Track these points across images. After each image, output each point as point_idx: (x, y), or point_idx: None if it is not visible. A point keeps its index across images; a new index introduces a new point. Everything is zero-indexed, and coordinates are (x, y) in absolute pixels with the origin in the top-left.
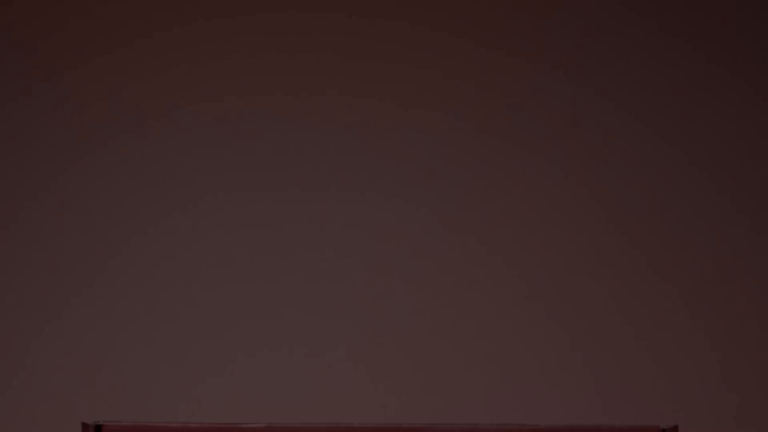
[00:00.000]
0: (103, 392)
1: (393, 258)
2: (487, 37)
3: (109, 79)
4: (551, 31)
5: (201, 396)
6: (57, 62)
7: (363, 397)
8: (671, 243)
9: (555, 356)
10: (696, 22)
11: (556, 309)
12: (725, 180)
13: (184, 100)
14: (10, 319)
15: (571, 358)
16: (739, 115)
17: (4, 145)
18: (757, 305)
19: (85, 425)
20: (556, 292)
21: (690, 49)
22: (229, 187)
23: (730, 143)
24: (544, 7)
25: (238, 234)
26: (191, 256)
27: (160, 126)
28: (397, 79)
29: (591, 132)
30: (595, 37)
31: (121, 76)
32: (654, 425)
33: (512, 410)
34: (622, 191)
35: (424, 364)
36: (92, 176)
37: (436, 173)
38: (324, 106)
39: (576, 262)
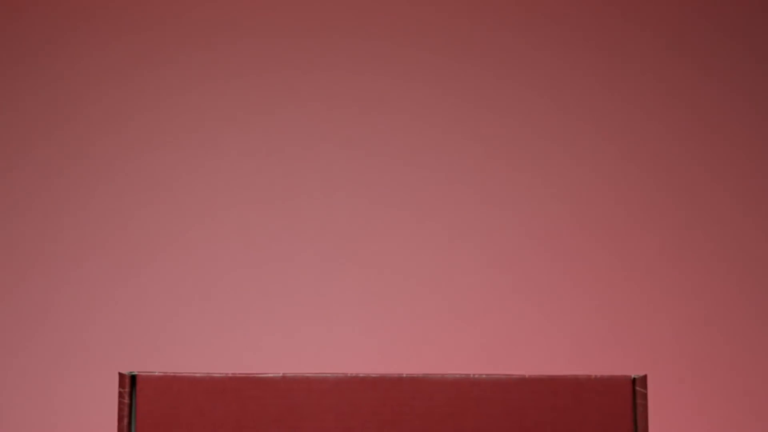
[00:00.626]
0: (137, 346)
1: (390, 220)
2: (484, 36)
3: (115, 76)
4: (554, 28)
5: (223, 350)
6: (68, 59)
7: (366, 350)
8: (648, 203)
9: (539, 313)
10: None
11: (541, 271)
12: (712, 157)
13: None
14: (55, 280)
15: (552, 315)
16: (738, 111)
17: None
18: (725, 264)
19: (121, 375)
20: (542, 253)
21: (690, 49)
22: (242, 171)
23: (727, 139)
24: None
25: (258, 206)
26: (216, 226)
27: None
28: (393, 73)
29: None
30: (595, 33)
31: (127, 71)
32: (626, 375)
33: (500, 362)
34: (608, 169)
35: (422, 321)
36: (115, 160)
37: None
38: (320, 106)
39: (558, 224)
